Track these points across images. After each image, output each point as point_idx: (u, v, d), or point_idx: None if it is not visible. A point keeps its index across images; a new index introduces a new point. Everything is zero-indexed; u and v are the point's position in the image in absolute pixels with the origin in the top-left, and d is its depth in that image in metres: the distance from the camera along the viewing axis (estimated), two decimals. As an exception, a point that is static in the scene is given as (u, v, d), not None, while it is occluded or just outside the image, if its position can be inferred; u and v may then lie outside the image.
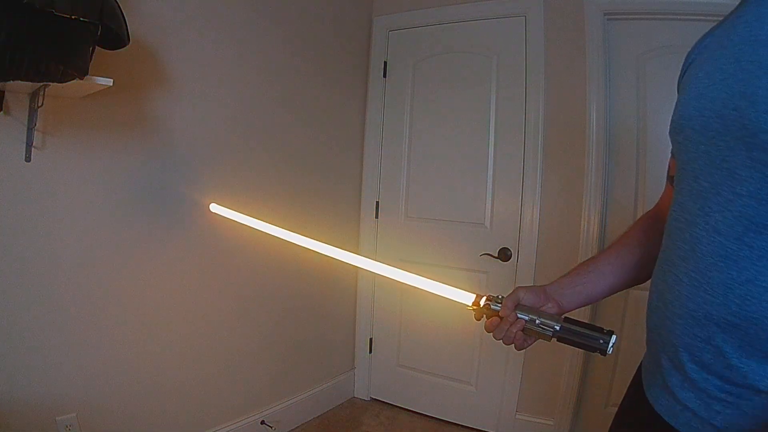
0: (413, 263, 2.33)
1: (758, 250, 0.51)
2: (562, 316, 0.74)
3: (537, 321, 0.72)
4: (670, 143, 0.69)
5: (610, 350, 0.69)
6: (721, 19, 0.64)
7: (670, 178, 0.79)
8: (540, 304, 0.76)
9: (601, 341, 0.69)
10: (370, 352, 2.57)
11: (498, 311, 0.75)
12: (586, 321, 0.89)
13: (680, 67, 0.72)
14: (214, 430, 1.87)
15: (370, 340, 2.56)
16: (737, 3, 0.61)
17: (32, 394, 1.36)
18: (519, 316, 0.73)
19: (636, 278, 0.80)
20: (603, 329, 0.70)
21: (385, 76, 2.47)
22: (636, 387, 0.73)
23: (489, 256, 2.18)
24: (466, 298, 0.79)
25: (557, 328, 0.71)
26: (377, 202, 2.50)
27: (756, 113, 0.51)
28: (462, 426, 2.31)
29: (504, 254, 2.15)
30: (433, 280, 0.83)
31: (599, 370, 2.07)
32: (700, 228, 0.57)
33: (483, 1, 2.20)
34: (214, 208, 1.46)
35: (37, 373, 1.37)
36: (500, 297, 0.76)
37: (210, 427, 1.86)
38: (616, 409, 0.80)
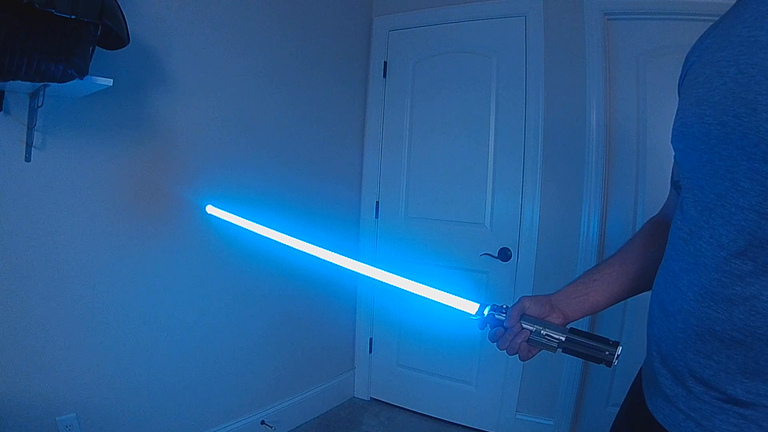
0: (413, 263, 2.34)
1: (762, 265, 0.50)
2: (568, 327, 0.72)
3: (542, 332, 0.71)
4: (669, 143, 0.67)
5: (615, 362, 0.67)
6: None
7: (674, 183, 0.76)
8: (545, 314, 0.74)
9: (607, 353, 0.68)
10: (370, 352, 2.57)
11: (502, 321, 0.74)
12: (586, 324, 0.89)
13: (680, 68, 0.70)
14: (214, 430, 1.87)
15: (370, 340, 2.56)
16: (735, 1, 0.59)
17: (32, 394, 1.36)
18: (524, 326, 0.72)
19: (641, 286, 0.78)
20: (609, 340, 0.69)
21: (385, 76, 2.47)
22: (636, 393, 0.71)
23: (489, 256, 2.18)
24: (470, 306, 0.78)
25: (562, 339, 0.70)
26: (377, 202, 2.50)
27: (757, 122, 0.48)
28: (462, 426, 2.31)
29: (504, 254, 2.15)
30: (435, 285, 0.83)
31: (599, 370, 2.06)
32: (704, 241, 0.55)
33: (483, 2, 2.20)
34: (211, 209, 1.46)
35: (37, 373, 1.37)
36: (504, 306, 0.75)
37: (210, 427, 1.86)
38: (617, 409, 0.79)
